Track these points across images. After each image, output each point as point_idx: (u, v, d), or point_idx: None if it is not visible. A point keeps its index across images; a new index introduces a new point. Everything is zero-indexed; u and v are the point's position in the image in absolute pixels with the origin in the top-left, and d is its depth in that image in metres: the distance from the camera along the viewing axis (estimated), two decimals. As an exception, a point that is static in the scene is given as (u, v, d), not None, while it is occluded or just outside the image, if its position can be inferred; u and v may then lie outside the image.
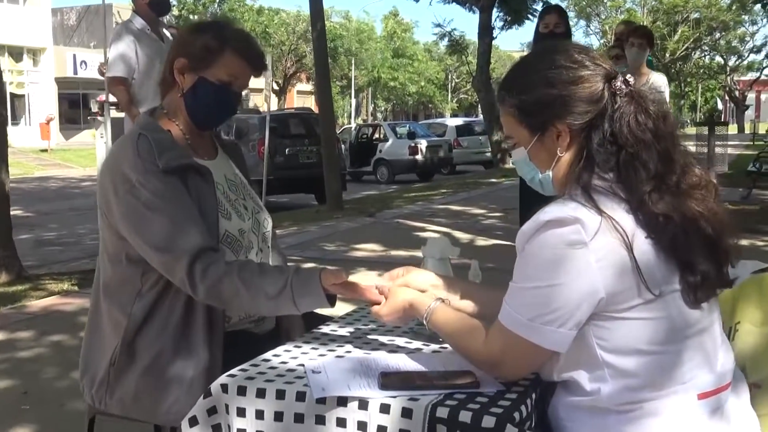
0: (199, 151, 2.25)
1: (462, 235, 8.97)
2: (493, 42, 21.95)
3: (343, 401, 1.62)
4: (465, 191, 14.97)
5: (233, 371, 1.79)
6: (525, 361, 1.63)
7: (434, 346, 1.98)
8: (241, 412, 1.70)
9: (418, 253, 2.21)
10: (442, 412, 1.55)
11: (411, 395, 1.62)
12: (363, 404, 1.61)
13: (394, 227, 9.97)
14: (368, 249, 8.23)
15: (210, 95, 2.18)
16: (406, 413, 1.58)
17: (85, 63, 36.54)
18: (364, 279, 2.02)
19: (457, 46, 30.20)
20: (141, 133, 2.13)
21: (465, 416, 1.54)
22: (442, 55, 60.67)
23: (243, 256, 2.20)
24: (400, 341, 2.04)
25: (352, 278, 2.00)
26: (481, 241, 8.48)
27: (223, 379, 1.75)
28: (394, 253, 7.91)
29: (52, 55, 36.95)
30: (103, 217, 2.15)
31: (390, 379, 1.68)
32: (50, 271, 7.44)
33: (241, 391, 1.71)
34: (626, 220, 1.53)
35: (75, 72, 37.18)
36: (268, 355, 1.91)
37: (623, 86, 1.61)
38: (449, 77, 61.94)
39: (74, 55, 37.42)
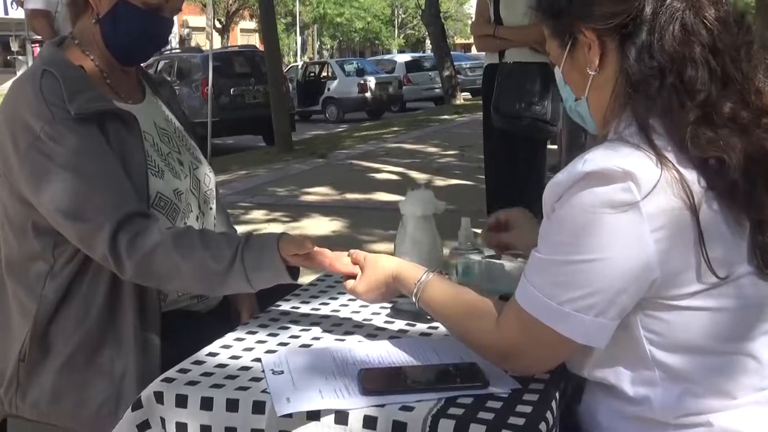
0: (121, 93, 1.82)
1: (419, 175, 8.63)
2: (442, -26, 21.27)
3: (315, 413, 1.25)
4: (417, 129, 14.57)
5: (170, 373, 1.40)
6: (548, 354, 1.26)
7: (422, 326, 1.61)
8: (182, 429, 1.31)
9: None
10: (447, 426, 1.19)
11: (403, 402, 1.25)
12: (341, 417, 1.24)
13: (348, 168, 9.56)
14: (322, 192, 7.83)
15: (133, 22, 1.74)
16: (399, 428, 1.21)
17: (16, 2, 34.87)
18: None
19: (404, -21, 29.40)
20: (45, 69, 1.68)
21: (477, 431, 1.17)
22: (388, -10, 59.60)
23: (180, 223, 1.79)
24: (378, 320, 1.67)
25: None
26: (439, 181, 8.12)
27: (156, 385, 1.36)
28: (349, 196, 7.52)
29: (-20, -6, 35.16)
30: (2, 178, 1.71)
31: (374, 381, 1.31)
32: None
33: (181, 401, 1.32)
34: (691, 171, 1.14)
35: (6, 12, 35.25)
36: (214, 346, 1.52)
37: None
38: (395, 12, 60.80)
39: (4, -5, 35.66)
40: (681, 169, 1.13)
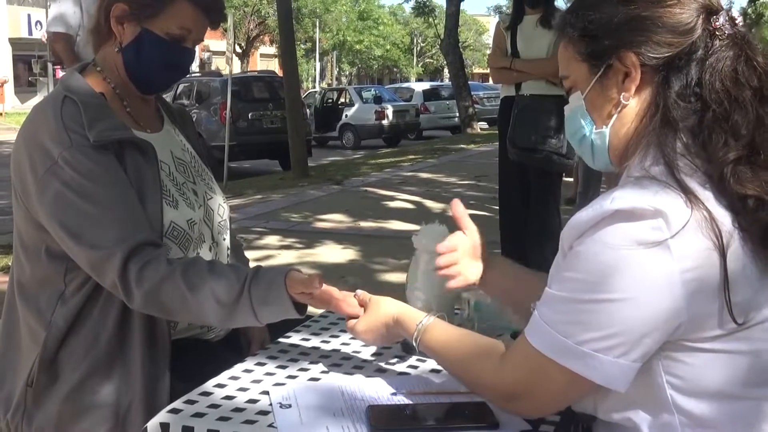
0: (140, 122, 1.82)
1: (434, 205, 8.62)
2: (461, 5, 21.35)
3: (321, 450, 1.24)
4: (434, 158, 14.59)
5: (177, 404, 1.39)
6: (556, 395, 1.22)
7: (432, 363, 1.60)
8: (188, 461, 1.31)
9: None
10: (454, 467, 1.18)
11: (410, 441, 1.24)
12: (348, 455, 1.23)
13: (362, 196, 9.57)
14: (336, 220, 7.83)
15: (155, 52, 1.75)
16: (406, 468, 1.20)
17: (40, 23, 35.18)
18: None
19: (423, 9, 29.64)
20: (66, 95, 1.70)
21: (485, 473, 1.16)
22: (407, 19, 60.04)
23: (193, 253, 1.79)
24: (389, 355, 1.66)
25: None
26: (454, 211, 8.10)
27: (163, 416, 1.35)
28: (363, 224, 7.52)
29: (5, 14, 35.66)
30: (18, 201, 1.72)
31: (382, 418, 1.30)
32: (-3, 243, 6.93)
33: (188, 432, 1.31)
34: (720, 210, 1.12)
35: (30, 33, 35.95)
36: (222, 377, 1.52)
37: (726, 25, 1.20)
38: (414, 41, 61.22)
39: (28, 15, 36.13)
40: (712, 208, 1.11)
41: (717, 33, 1.19)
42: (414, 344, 1.42)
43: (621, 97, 1.24)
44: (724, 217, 1.12)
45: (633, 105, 1.24)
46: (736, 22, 1.21)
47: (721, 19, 1.20)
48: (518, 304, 1.57)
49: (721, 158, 1.14)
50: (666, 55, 1.19)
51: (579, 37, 1.28)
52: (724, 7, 1.22)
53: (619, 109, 1.25)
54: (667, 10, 1.20)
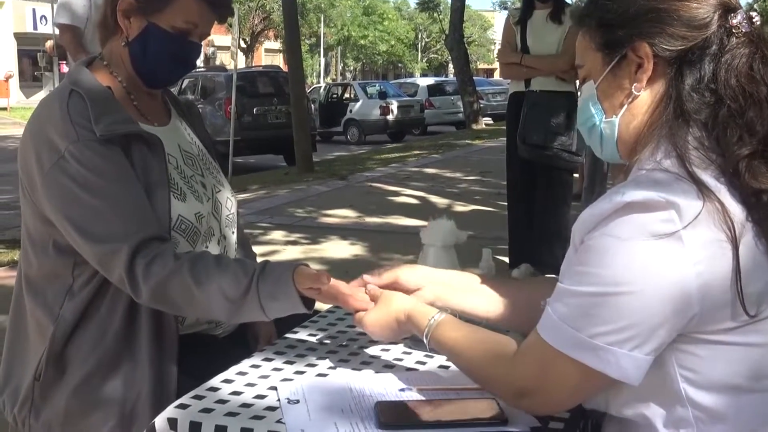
0: (147, 115, 1.82)
1: (439, 200, 8.62)
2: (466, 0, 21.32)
3: (329, 446, 1.23)
4: (439, 153, 14.58)
5: (185, 399, 1.38)
6: (572, 391, 1.20)
7: (440, 359, 1.59)
8: (196, 457, 1.30)
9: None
10: (463, 464, 1.17)
11: (419, 438, 1.23)
12: (356, 451, 1.22)
13: (367, 191, 9.57)
14: (341, 215, 7.83)
15: (161, 45, 1.75)
16: (415, 464, 1.19)
17: (45, 18, 35.29)
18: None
19: (428, 4, 29.60)
20: (73, 89, 1.69)
21: (494, 470, 1.15)
22: (412, 14, 60.02)
23: (201, 247, 1.78)
24: (396, 351, 1.65)
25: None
26: (459, 207, 8.11)
27: (170, 411, 1.34)
28: (369, 219, 7.52)
29: (10, 9, 35.67)
30: (25, 195, 1.71)
31: (390, 414, 1.29)
32: (2, 237, 6.94)
33: (195, 428, 1.30)
34: (733, 203, 1.12)
35: (35, 27, 35.97)
36: (229, 373, 1.51)
37: (744, 23, 1.20)
38: (419, 36, 61.17)
39: (33, 10, 36.15)
40: (724, 201, 1.11)
41: (734, 30, 1.19)
42: (425, 340, 1.41)
43: (633, 87, 1.24)
44: (737, 210, 1.11)
45: (645, 97, 1.24)
46: (754, 20, 1.21)
47: (739, 17, 1.19)
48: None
49: (736, 153, 1.14)
50: (679, 48, 1.20)
51: (596, 26, 1.28)
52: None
53: (630, 99, 1.25)
54: (684, 3, 1.20)
